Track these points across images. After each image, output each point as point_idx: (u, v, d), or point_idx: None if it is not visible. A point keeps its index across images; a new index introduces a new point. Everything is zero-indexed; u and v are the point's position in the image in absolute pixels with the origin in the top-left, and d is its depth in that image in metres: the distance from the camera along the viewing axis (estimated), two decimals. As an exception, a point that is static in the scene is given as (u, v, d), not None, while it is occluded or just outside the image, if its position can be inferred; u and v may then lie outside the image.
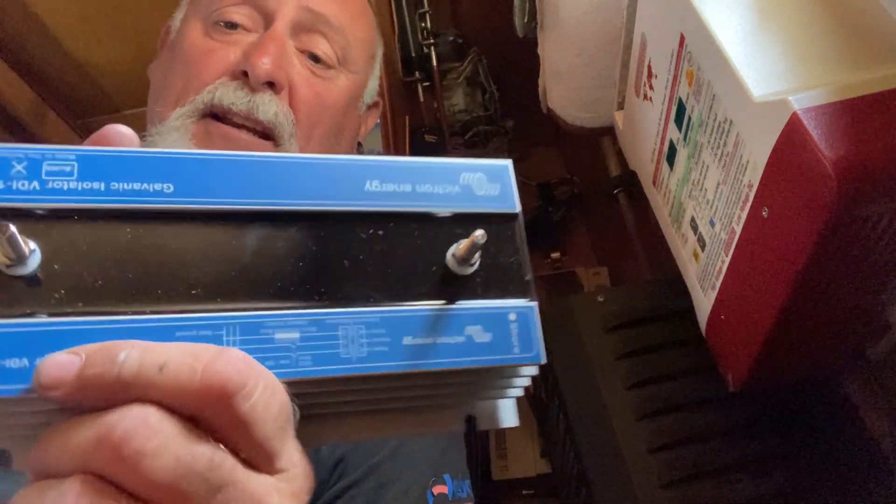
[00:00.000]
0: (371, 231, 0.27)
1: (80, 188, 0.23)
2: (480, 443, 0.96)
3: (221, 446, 0.21)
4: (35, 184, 0.23)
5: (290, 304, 0.24)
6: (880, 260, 0.36)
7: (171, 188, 0.24)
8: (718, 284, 0.45)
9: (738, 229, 0.41)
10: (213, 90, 0.54)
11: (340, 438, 0.28)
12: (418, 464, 0.52)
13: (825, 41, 0.37)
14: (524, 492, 0.96)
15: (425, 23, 1.04)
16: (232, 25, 0.57)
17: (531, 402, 0.91)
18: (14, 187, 0.23)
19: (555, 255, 1.22)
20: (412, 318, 0.25)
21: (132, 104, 0.99)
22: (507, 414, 0.30)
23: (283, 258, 0.25)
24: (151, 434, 0.20)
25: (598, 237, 1.22)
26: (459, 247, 0.26)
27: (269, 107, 0.54)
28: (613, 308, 0.61)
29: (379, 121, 0.85)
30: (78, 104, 0.98)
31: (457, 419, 0.29)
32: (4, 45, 0.90)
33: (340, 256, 0.26)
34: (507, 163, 0.29)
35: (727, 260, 0.43)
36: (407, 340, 0.25)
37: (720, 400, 0.54)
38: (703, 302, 0.48)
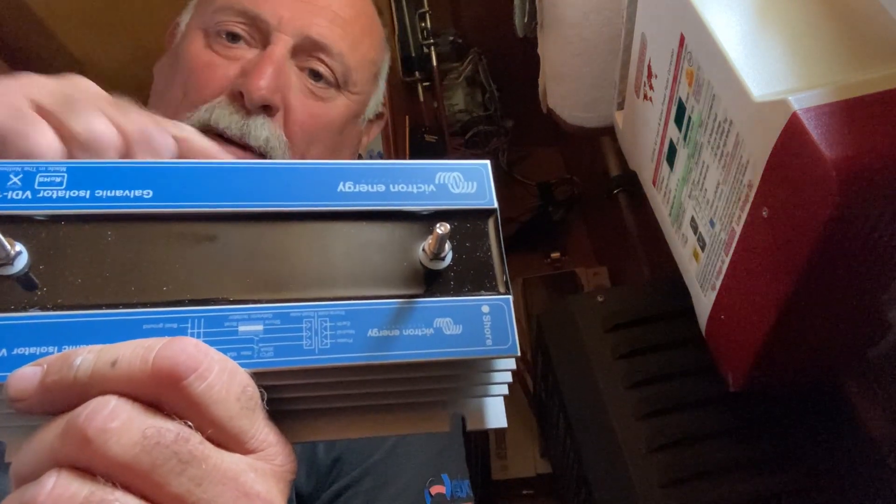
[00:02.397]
0: (342, 228, 0.27)
1: (67, 196, 0.25)
2: (480, 443, 0.96)
3: (189, 423, 0.22)
4: (28, 193, 0.25)
5: (256, 299, 0.25)
6: (880, 260, 0.36)
7: (150, 193, 0.26)
8: (718, 284, 0.45)
9: (738, 229, 0.41)
10: (210, 110, 0.54)
11: (326, 436, 0.28)
12: (415, 464, 0.52)
13: (825, 41, 0.37)
14: (524, 492, 0.96)
15: (425, 23, 1.04)
16: (234, 38, 0.57)
17: (531, 402, 0.91)
18: (9, 197, 0.25)
19: (555, 255, 1.21)
20: (378, 311, 0.25)
21: (132, 104, 0.98)
22: (495, 414, 0.29)
23: (252, 256, 0.26)
24: (114, 414, 0.21)
25: (598, 237, 1.22)
26: (428, 242, 0.27)
27: (261, 131, 0.54)
28: (613, 308, 0.61)
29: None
30: (78, 104, 0.98)
31: (444, 419, 0.29)
32: (4, 45, 0.89)
33: (310, 253, 0.26)
34: (485, 162, 0.30)
35: (727, 260, 0.43)
36: (372, 332, 0.25)
37: (720, 400, 0.54)
38: (703, 302, 0.48)
